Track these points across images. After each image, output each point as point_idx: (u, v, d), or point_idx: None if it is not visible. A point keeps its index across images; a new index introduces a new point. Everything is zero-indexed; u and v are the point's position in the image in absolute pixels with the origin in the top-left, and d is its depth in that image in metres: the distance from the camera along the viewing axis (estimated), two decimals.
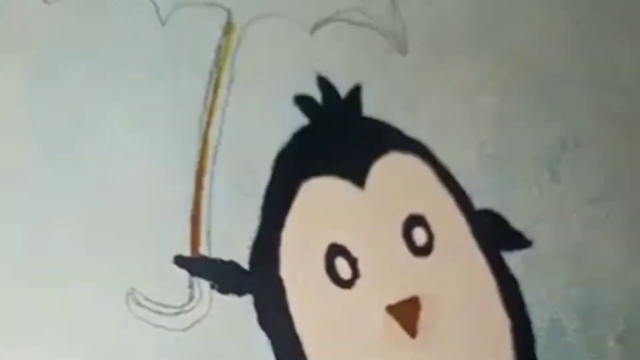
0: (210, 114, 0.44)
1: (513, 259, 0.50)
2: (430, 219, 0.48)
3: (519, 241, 0.51)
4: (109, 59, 0.42)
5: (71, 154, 0.40)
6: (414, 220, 0.47)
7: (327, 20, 0.48)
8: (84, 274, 0.39)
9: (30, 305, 0.38)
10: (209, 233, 0.42)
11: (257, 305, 0.43)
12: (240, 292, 0.42)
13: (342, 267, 0.45)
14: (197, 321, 0.41)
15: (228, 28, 0.45)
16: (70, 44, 0.42)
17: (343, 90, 0.48)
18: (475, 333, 0.47)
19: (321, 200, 0.46)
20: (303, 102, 0.46)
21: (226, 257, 0.42)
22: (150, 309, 0.40)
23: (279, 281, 0.43)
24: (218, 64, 0.44)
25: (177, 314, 0.40)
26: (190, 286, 0.41)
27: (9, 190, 0.39)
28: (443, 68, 0.51)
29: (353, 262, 0.45)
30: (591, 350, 0.51)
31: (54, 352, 0.38)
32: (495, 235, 0.50)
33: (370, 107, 0.48)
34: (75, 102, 0.41)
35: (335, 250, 0.45)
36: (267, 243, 0.44)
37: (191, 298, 0.41)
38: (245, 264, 0.43)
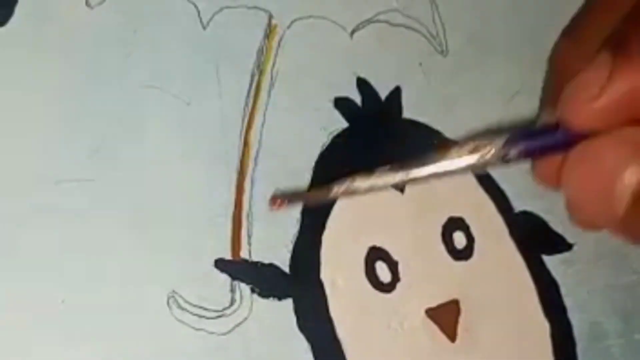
0: (251, 116, 0.44)
1: (552, 261, 0.50)
2: (470, 222, 0.48)
3: (560, 244, 0.50)
4: (151, 62, 0.42)
5: (113, 155, 0.40)
6: (454, 224, 0.47)
7: (367, 22, 0.48)
8: (125, 277, 0.39)
9: (70, 308, 0.38)
10: (249, 236, 0.42)
11: (297, 309, 0.42)
12: (280, 296, 0.42)
13: (382, 271, 0.45)
14: (238, 325, 0.41)
15: (269, 30, 0.45)
16: (113, 47, 0.42)
17: (383, 93, 0.48)
18: (515, 337, 0.47)
19: (361, 204, 0.46)
20: (343, 104, 0.46)
21: (267, 261, 0.42)
22: (191, 313, 0.40)
23: (320, 285, 0.43)
24: (259, 67, 0.44)
25: (217, 317, 0.40)
26: (232, 290, 0.41)
27: (52, 192, 0.39)
28: (483, 70, 0.50)
29: (393, 266, 0.45)
30: (633, 355, 0.50)
31: (93, 355, 0.38)
32: (535, 238, 0.50)
33: (410, 109, 0.48)
34: (118, 103, 0.41)
35: (376, 254, 0.45)
36: (307, 246, 0.44)
37: (232, 302, 0.41)
38: (286, 268, 0.43)
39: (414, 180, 0.38)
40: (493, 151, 0.36)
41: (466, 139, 0.38)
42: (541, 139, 0.36)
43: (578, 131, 0.34)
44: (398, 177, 0.38)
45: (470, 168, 0.37)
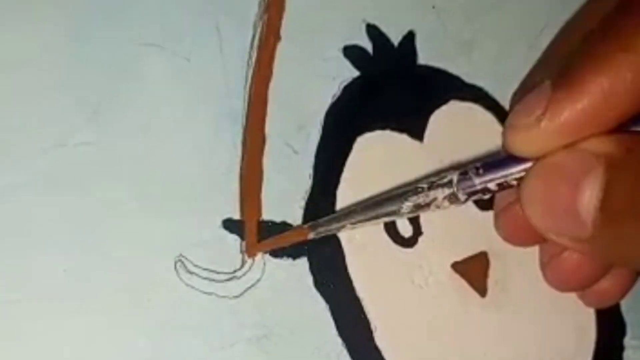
0: (256, 70, 0.41)
1: None
2: None
3: None
4: (147, 18, 0.40)
5: (113, 117, 0.38)
6: None
7: None
8: (129, 242, 0.37)
9: (77, 276, 0.36)
10: (259, 194, 0.40)
11: (313, 268, 0.40)
12: (294, 255, 0.40)
13: (403, 225, 0.43)
14: (250, 287, 0.39)
15: None
16: (107, 5, 0.40)
17: (395, 39, 0.45)
18: (550, 290, 0.44)
19: (377, 155, 0.43)
20: (353, 53, 0.44)
21: (278, 219, 0.40)
22: (200, 276, 0.38)
23: (336, 241, 0.41)
24: (261, 18, 0.42)
25: (228, 280, 0.38)
26: (242, 251, 0.39)
27: (53, 157, 0.37)
28: (502, 9, 0.47)
29: (414, 219, 0.43)
30: None
31: (101, 322, 0.36)
32: None
33: (426, 55, 0.46)
34: (114, 63, 0.39)
35: None
36: (321, 202, 0.41)
37: (243, 263, 0.39)
38: None
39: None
40: (447, 191, 0.36)
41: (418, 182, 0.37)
42: (494, 171, 0.34)
43: (525, 157, 0.33)
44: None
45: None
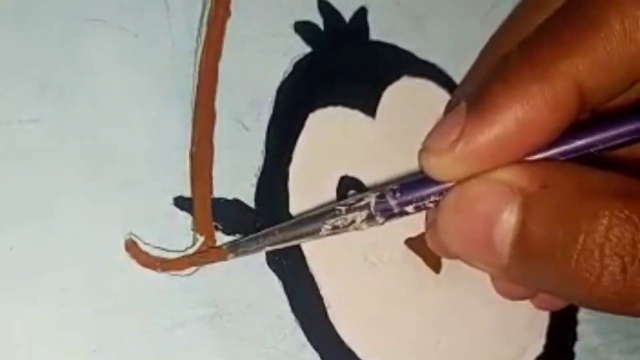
0: (205, 46, 0.41)
1: None
2: None
3: None
4: None
5: (61, 94, 0.37)
6: None
7: None
8: (77, 221, 0.36)
9: (24, 254, 0.35)
10: (210, 172, 0.40)
11: None
12: (246, 232, 0.39)
13: None
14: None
15: None
16: None
17: (347, 14, 0.45)
18: None
19: (330, 132, 0.43)
20: (304, 28, 0.43)
21: (230, 196, 0.40)
22: (150, 254, 0.37)
23: (289, 219, 0.41)
24: None
25: (179, 258, 0.38)
26: (193, 229, 0.39)
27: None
28: None
29: None
30: None
31: (50, 302, 0.35)
32: None
33: (378, 31, 0.45)
34: (60, 39, 0.38)
35: (348, 184, 0.42)
36: (273, 179, 0.41)
37: (194, 241, 0.38)
38: (251, 203, 0.40)
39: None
40: (364, 214, 0.35)
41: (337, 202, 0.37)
42: (411, 193, 0.34)
43: (442, 180, 0.33)
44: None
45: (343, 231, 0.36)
